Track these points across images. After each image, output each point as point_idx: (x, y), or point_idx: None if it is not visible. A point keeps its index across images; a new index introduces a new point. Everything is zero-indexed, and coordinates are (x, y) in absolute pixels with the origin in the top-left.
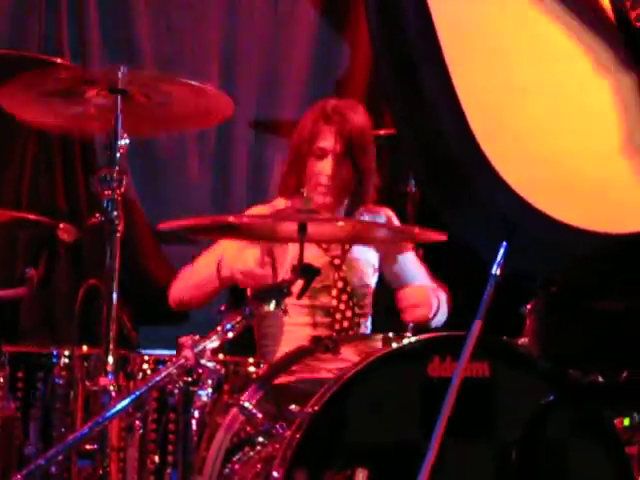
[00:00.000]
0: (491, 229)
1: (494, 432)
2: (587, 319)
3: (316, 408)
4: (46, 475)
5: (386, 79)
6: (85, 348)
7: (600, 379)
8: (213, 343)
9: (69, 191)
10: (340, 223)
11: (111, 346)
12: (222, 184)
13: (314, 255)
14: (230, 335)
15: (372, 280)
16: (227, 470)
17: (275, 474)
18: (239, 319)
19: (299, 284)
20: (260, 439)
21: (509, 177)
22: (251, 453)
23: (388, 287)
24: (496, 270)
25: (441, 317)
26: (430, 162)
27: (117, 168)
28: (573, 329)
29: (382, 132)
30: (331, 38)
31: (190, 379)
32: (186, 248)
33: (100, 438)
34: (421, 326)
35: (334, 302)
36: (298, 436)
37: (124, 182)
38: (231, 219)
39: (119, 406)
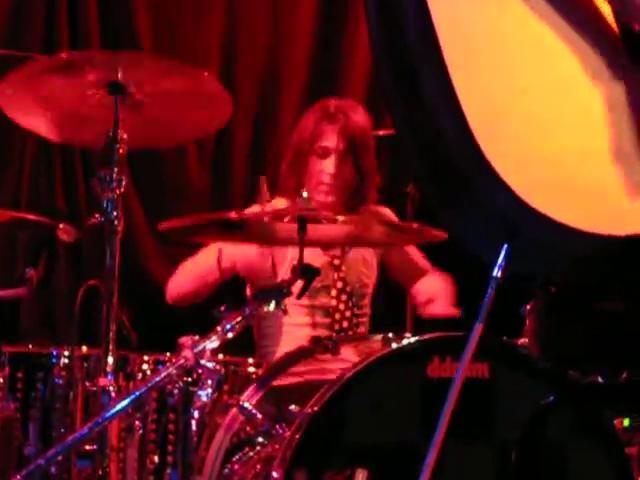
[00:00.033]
0: (491, 230)
1: (494, 433)
2: (587, 319)
3: (316, 408)
4: (46, 475)
5: (386, 84)
6: (85, 348)
7: (600, 380)
8: (213, 343)
9: (69, 191)
10: (340, 218)
11: (111, 346)
12: (222, 184)
13: (313, 255)
14: (230, 335)
15: (371, 280)
16: (227, 470)
17: (275, 474)
18: (239, 319)
19: (299, 284)
20: (260, 439)
21: (509, 178)
22: (251, 453)
23: (392, 287)
24: (497, 272)
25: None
26: (430, 162)
27: (117, 168)
28: (573, 329)
29: (382, 132)
30: (331, 38)
31: (190, 379)
32: (186, 248)
33: (100, 438)
34: (421, 325)
35: (333, 302)
36: (298, 436)
37: (124, 182)
38: (233, 215)
39: (119, 406)
